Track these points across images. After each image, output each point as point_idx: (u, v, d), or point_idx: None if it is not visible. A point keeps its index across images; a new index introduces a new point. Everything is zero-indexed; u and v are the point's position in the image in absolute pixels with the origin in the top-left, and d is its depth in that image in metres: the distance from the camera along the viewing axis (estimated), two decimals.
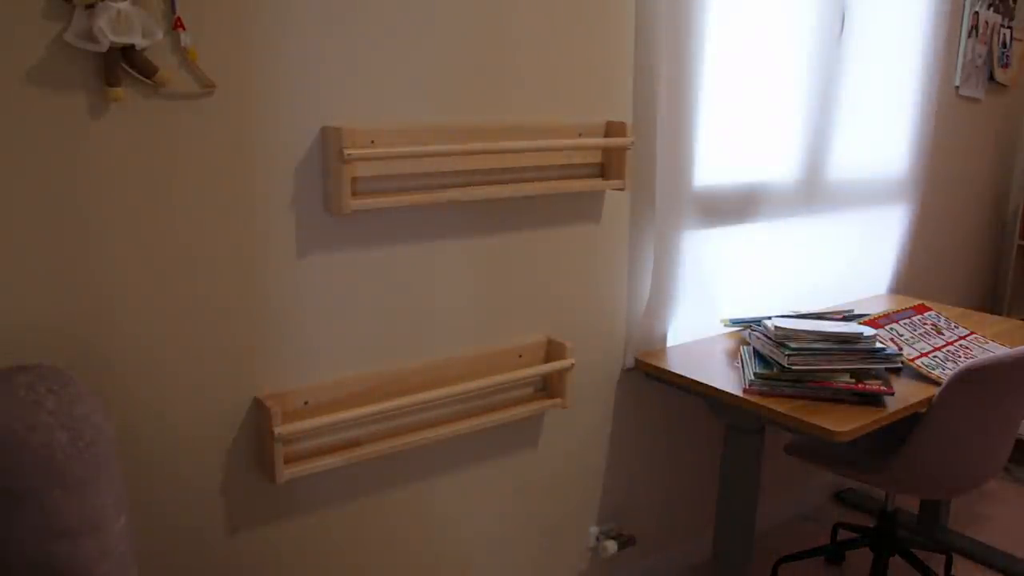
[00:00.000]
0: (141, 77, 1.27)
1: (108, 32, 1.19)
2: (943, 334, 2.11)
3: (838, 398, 1.82)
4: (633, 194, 1.99)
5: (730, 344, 2.17)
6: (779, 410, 1.76)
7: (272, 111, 1.42)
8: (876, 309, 2.53)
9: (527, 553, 2.03)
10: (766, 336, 1.92)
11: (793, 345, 1.84)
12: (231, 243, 1.43)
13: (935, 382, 1.90)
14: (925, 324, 2.13)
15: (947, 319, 2.21)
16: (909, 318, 2.16)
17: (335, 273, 1.56)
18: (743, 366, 1.94)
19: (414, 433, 1.68)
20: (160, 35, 1.26)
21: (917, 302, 2.38)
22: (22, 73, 1.19)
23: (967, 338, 2.12)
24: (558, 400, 1.87)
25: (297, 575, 1.64)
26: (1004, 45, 3.15)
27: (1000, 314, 3.14)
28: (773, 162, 2.30)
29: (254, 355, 1.49)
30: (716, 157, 2.15)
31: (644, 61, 1.92)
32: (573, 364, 1.85)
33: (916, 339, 2.06)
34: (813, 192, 2.45)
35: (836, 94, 2.41)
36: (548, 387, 1.91)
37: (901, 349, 2.02)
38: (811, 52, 2.30)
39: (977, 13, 2.96)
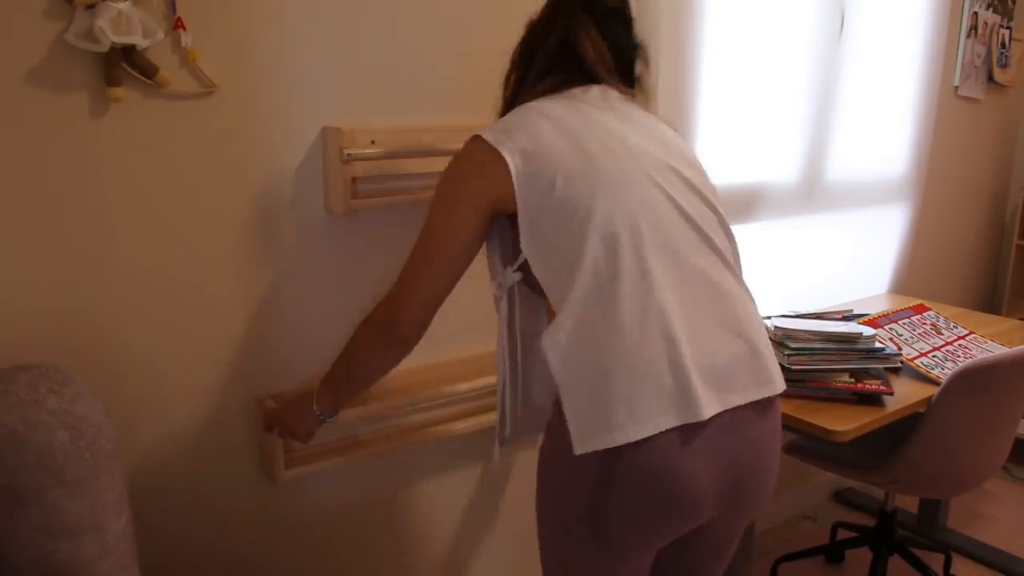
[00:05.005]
0: (142, 77, 1.27)
1: (109, 32, 1.19)
2: (942, 334, 2.11)
3: (838, 398, 1.82)
4: None
5: None
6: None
7: (272, 111, 1.42)
8: (876, 309, 2.53)
9: (528, 553, 2.03)
10: None
11: (793, 345, 1.84)
12: (231, 243, 1.43)
13: (934, 382, 1.90)
14: (924, 324, 2.14)
15: (946, 319, 2.21)
16: (908, 318, 2.16)
17: (335, 273, 1.56)
18: None
19: (414, 433, 1.68)
20: (161, 35, 1.26)
21: (916, 302, 2.38)
22: (23, 73, 1.19)
23: (966, 338, 2.12)
24: None
25: (297, 575, 1.64)
26: (1003, 45, 3.15)
27: (999, 314, 3.14)
28: (773, 162, 2.31)
29: (254, 355, 1.50)
30: (716, 157, 2.15)
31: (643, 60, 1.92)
32: None
33: (915, 339, 2.06)
34: (813, 192, 2.45)
35: (836, 94, 2.41)
36: None
37: (900, 349, 2.02)
38: (811, 52, 2.31)
39: (976, 13, 2.96)
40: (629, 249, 1.11)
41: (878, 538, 2.32)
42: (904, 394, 1.84)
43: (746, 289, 1.23)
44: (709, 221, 1.21)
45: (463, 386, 1.70)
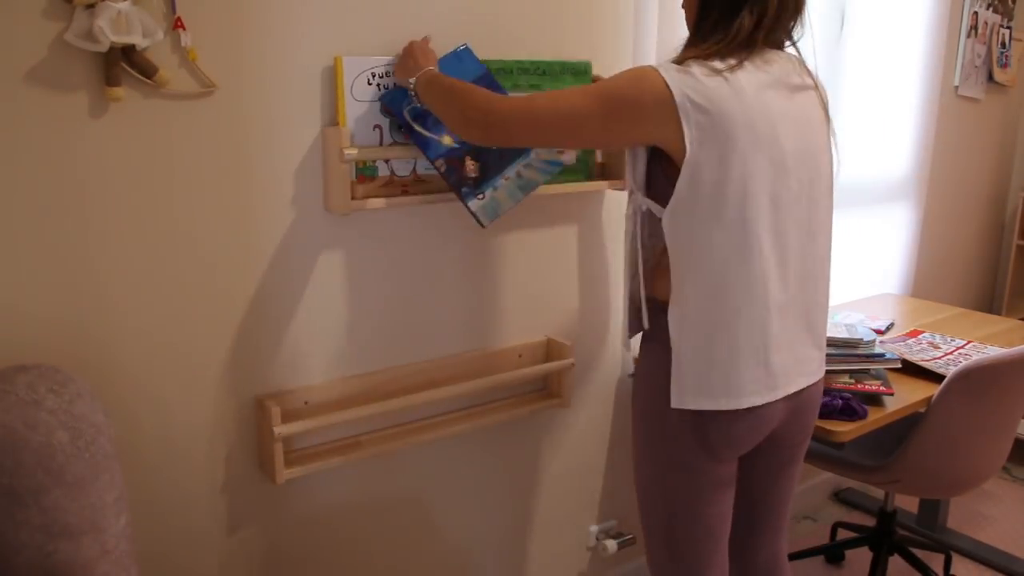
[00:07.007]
0: (141, 77, 1.27)
1: (108, 32, 1.19)
2: (940, 348, 2.12)
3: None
4: None
5: None
6: None
7: (272, 110, 1.42)
8: (875, 310, 2.53)
9: (527, 553, 2.03)
10: None
11: None
12: (231, 243, 1.43)
13: (941, 375, 1.89)
14: (921, 344, 2.14)
15: (943, 336, 2.21)
16: (904, 342, 2.16)
17: (335, 273, 1.56)
18: None
19: (414, 433, 1.68)
20: (160, 35, 1.26)
21: (911, 327, 2.35)
22: (22, 73, 1.19)
23: (965, 347, 2.12)
24: (558, 400, 1.87)
25: (297, 575, 1.64)
26: (1003, 45, 3.15)
27: (999, 314, 3.14)
28: None
29: (254, 355, 1.50)
30: None
31: (643, 61, 1.92)
32: (573, 363, 1.85)
33: (915, 353, 2.06)
34: None
35: (836, 94, 2.41)
36: (548, 387, 1.91)
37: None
38: (811, 52, 2.30)
39: (976, 13, 2.96)
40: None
41: (878, 538, 2.32)
42: (904, 394, 1.84)
43: None
44: None
45: (463, 386, 1.70)
